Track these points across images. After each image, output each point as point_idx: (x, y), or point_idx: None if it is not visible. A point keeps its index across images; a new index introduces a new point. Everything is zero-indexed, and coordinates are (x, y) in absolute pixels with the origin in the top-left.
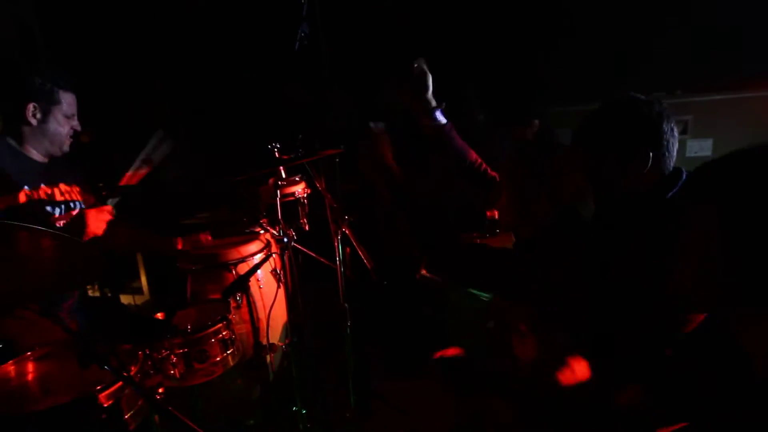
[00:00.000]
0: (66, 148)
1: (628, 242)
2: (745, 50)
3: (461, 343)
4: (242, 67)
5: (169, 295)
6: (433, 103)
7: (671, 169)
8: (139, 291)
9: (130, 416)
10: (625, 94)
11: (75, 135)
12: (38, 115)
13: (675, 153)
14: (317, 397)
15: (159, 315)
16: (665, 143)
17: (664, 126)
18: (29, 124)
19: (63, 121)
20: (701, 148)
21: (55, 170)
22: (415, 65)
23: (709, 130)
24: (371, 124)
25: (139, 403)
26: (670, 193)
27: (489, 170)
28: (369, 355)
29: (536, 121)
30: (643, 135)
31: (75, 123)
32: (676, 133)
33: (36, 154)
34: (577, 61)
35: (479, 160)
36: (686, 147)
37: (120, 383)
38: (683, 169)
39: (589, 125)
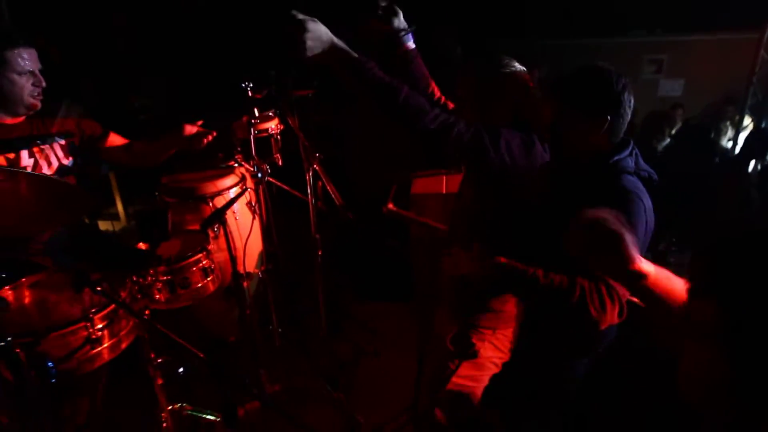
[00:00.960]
0: (30, 103)
1: (567, 193)
2: None
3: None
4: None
5: (151, 226)
6: (403, 25)
7: (621, 137)
8: (116, 217)
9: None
10: (601, 61)
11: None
12: None
13: (626, 124)
14: (292, 318)
15: (142, 245)
16: (622, 112)
17: (625, 97)
18: None
19: (16, 80)
20: (672, 89)
21: (34, 127)
22: None
23: (683, 70)
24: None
25: (129, 324)
26: (615, 158)
27: (449, 102)
28: (339, 280)
29: (535, 71)
30: (606, 101)
31: (36, 78)
32: (631, 106)
33: (4, 118)
34: None
35: (438, 93)
36: (659, 86)
37: (112, 306)
38: (631, 140)
39: (566, 79)
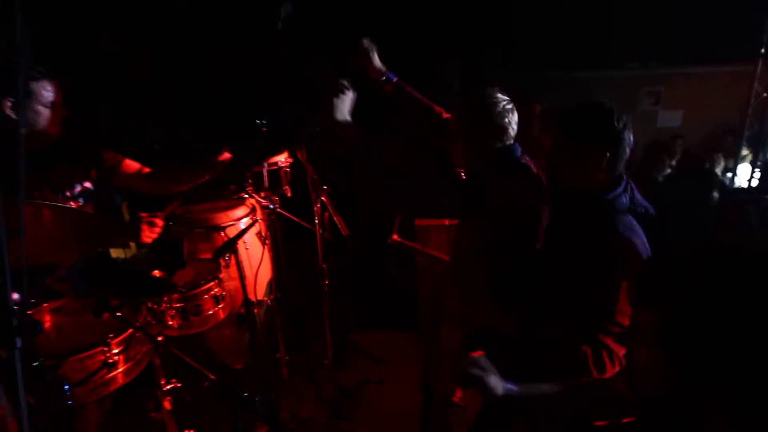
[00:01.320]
0: (52, 133)
1: (565, 227)
2: (719, 25)
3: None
4: (224, 36)
5: (167, 255)
6: (382, 67)
7: (618, 173)
8: (126, 245)
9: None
10: (604, 99)
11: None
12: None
13: (624, 161)
14: (299, 345)
15: (157, 273)
16: (621, 150)
17: (625, 135)
18: (10, 118)
19: (41, 111)
20: (671, 120)
21: (50, 156)
22: (363, 40)
23: (681, 101)
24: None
25: (143, 349)
26: (611, 195)
27: (443, 112)
28: (345, 309)
29: (537, 105)
30: (607, 137)
31: (59, 109)
32: (631, 144)
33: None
34: (562, 29)
35: (432, 105)
36: (657, 117)
37: (129, 331)
38: (624, 176)
39: (569, 114)
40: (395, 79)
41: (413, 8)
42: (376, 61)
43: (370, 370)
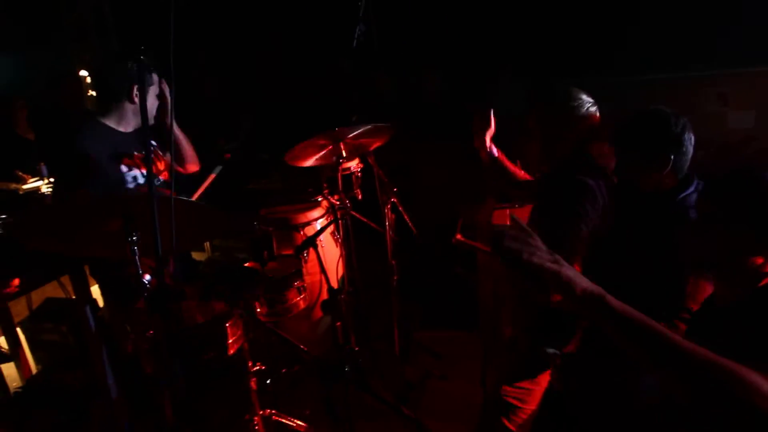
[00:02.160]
0: (153, 121)
1: (639, 230)
2: None
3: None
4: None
5: (261, 248)
6: (489, 143)
7: (685, 172)
8: (201, 248)
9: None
10: (659, 106)
11: None
12: (138, 94)
13: (689, 160)
14: (368, 340)
15: (251, 264)
16: (684, 150)
17: (685, 136)
18: (133, 102)
19: (153, 99)
20: (743, 121)
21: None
22: (491, 112)
23: (751, 102)
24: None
25: (239, 332)
26: (681, 195)
27: (529, 178)
28: (412, 307)
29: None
30: (668, 142)
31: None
32: (693, 143)
33: (129, 128)
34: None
35: (523, 174)
36: (728, 119)
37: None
38: (695, 174)
39: (627, 126)
40: (497, 153)
41: (468, 19)
42: (490, 134)
43: (432, 365)
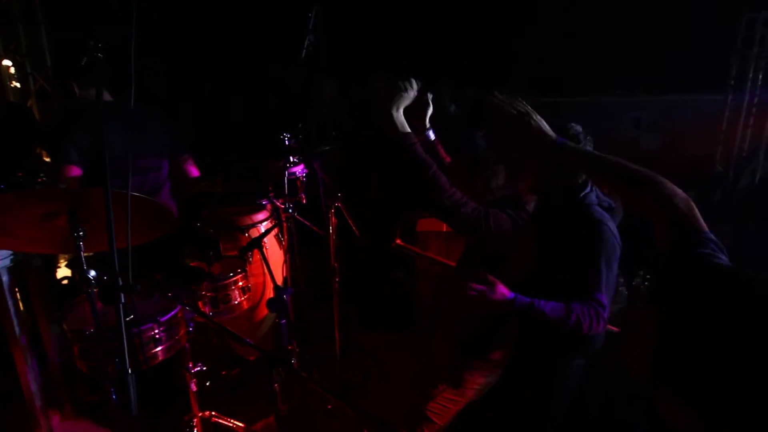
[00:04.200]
0: None
1: (548, 229)
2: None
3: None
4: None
5: (207, 249)
6: (428, 125)
7: (583, 179)
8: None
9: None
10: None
11: None
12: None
13: None
14: (308, 341)
15: (195, 264)
16: None
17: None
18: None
19: None
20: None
21: None
22: (428, 95)
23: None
24: None
25: (182, 332)
26: (582, 193)
27: (447, 158)
28: (351, 310)
29: None
30: None
31: None
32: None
33: None
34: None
35: (445, 156)
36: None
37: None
38: (589, 181)
39: None
40: (433, 138)
41: (411, 32)
42: (427, 116)
43: (372, 367)
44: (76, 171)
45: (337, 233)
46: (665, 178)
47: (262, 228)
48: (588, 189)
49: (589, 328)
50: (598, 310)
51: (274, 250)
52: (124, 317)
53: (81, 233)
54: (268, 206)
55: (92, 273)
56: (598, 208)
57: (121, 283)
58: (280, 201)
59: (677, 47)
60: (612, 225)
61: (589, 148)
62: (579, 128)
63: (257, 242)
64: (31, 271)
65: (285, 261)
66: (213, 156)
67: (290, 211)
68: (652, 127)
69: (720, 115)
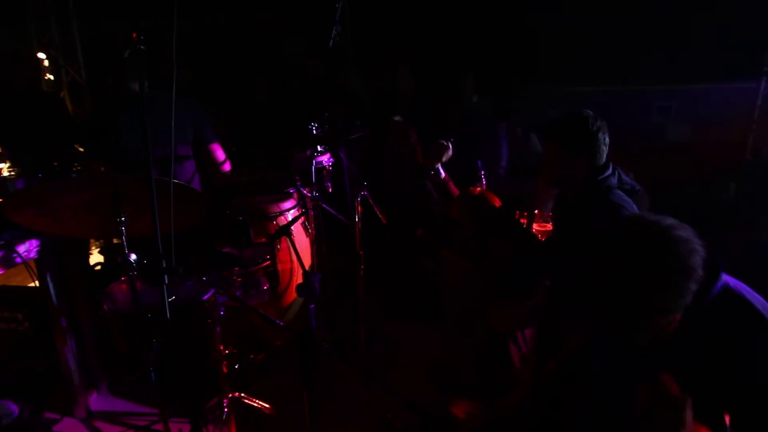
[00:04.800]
0: None
1: (567, 211)
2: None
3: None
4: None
5: (239, 235)
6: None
7: (601, 163)
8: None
9: None
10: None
11: None
12: None
13: (604, 154)
14: (332, 328)
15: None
16: (597, 148)
17: (599, 136)
18: None
19: None
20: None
21: None
22: (446, 143)
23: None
24: (396, 118)
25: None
26: (599, 177)
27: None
28: (377, 298)
29: (518, 129)
30: (583, 141)
31: None
32: (607, 140)
33: None
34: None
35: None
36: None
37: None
38: (611, 162)
39: (554, 124)
40: (444, 176)
41: (433, 24)
42: (445, 157)
43: (395, 355)
44: (105, 163)
45: (363, 222)
46: (695, 167)
47: (290, 216)
48: (608, 172)
49: None
50: None
51: (300, 238)
52: (167, 298)
53: (123, 219)
54: (295, 195)
55: (133, 257)
56: (618, 192)
57: (164, 265)
58: (307, 189)
59: (707, 35)
60: (633, 208)
61: (603, 134)
62: (590, 113)
63: (286, 229)
64: (69, 256)
65: (311, 248)
66: (239, 146)
67: (317, 199)
68: (681, 117)
69: (752, 103)
